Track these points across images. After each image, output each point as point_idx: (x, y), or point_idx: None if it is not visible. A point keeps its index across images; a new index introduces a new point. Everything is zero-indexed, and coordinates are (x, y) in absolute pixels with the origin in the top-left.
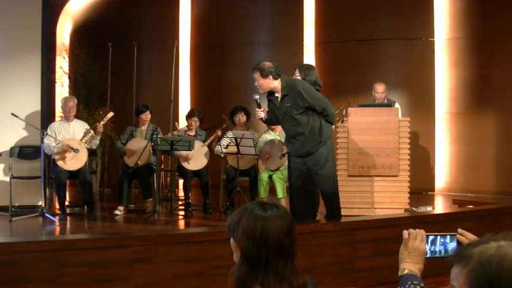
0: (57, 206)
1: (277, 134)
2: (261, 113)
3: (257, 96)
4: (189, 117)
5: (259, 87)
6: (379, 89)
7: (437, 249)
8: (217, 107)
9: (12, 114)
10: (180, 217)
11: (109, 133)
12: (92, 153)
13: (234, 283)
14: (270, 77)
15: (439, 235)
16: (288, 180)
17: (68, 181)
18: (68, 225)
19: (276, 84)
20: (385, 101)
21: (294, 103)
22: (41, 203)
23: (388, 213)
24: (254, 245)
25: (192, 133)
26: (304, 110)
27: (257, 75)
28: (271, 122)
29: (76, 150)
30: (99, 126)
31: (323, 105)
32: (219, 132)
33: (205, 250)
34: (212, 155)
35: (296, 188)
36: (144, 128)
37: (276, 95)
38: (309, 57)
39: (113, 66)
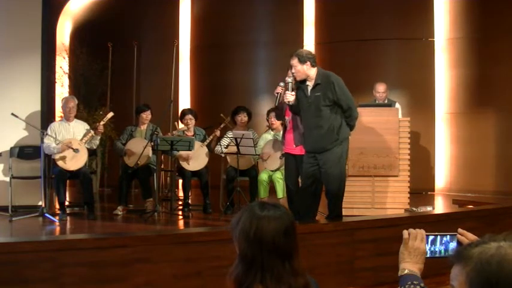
0: (57, 206)
1: (277, 134)
2: (291, 96)
3: (290, 79)
4: (182, 117)
5: (296, 73)
6: (380, 88)
7: (437, 249)
8: (217, 107)
9: (12, 114)
10: (180, 217)
11: (109, 133)
12: (92, 153)
13: (232, 282)
14: (308, 63)
15: (439, 235)
16: (286, 180)
17: (68, 181)
18: (68, 225)
19: (312, 72)
20: (386, 101)
21: (324, 93)
22: (41, 203)
23: (388, 213)
24: (249, 244)
25: (190, 133)
26: (332, 103)
27: (295, 61)
28: (296, 109)
29: (76, 150)
30: (99, 127)
31: (350, 104)
32: (218, 133)
33: (205, 250)
34: (212, 155)
35: (303, 188)
36: (143, 127)
37: (307, 83)
38: None
39: (113, 66)
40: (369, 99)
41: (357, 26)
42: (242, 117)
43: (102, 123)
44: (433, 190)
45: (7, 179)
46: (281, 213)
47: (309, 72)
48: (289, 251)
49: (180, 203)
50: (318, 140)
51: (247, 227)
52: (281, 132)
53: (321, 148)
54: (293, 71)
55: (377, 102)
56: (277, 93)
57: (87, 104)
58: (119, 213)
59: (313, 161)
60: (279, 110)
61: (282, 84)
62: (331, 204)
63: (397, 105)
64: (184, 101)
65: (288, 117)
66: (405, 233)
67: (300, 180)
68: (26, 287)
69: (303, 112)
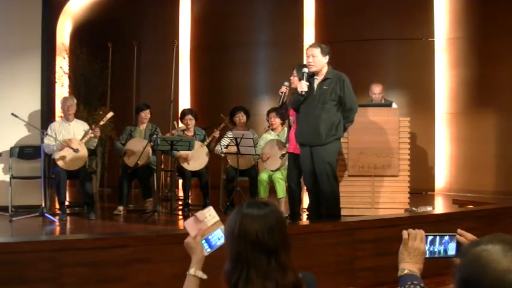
0: (57, 206)
1: (277, 134)
2: (305, 86)
3: (306, 70)
4: (182, 117)
5: (314, 63)
6: (376, 90)
7: (436, 250)
8: (217, 107)
9: (12, 114)
10: (180, 217)
11: (109, 133)
12: (92, 153)
13: (223, 280)
14: (327, 57)
15: (438, 235)
16: (288, 180)
17: (68, 181)
18: (68, 225)
19: (325, 67)
20: (383, 102)
21: (332, 89)
22: (41, 203)
23: (388, 213)
24: (234, 241)
25: (190, 133)
26: (337, 100)
27: (317, 51)
28: (301, 103)
29: (76, 150)
30: (95, 130)
31: (353, 106)
32: (217, 134)
33: None
34: (212, 155)
35: (309, 189)
36: (143, 127)
37: (315, 77)
38: None
39: (113, 66)
40: (368, 99)
41: (357, 26)
42: (240, 117)
43: (101, 123)
44: (433, 190)
45: (7, 179)
46: (267, 211)
47: (324, 65)
48: (274, 248)
49: (180, 203)
50: (315, 132)
51: (233, 224)
52: (281, 132)
53: (315, 141)
54: (310, 60)
55: (373, 102)
56: (282, 92)
57: (87, 104)
58: (119, 213)
59: (309, 157)
60: (283, 110)
61: (286, 83)
62: (326, 203)
63: (394, 105)
64: (184, 101)
65: (293, 117)
66: (405, 233)
67: (302, 180)
68: (26, 287)
69: (306, 104)
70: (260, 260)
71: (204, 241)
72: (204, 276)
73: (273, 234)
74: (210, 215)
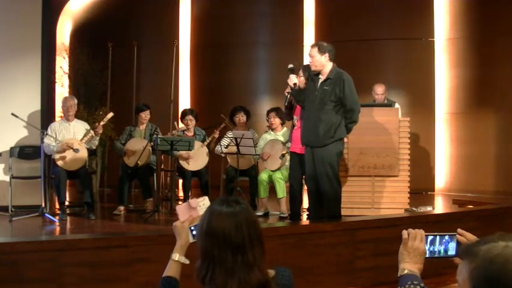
0: (57, 206)
1: (277, 134)
2: (295, 79)
3: (291, 65)
4: (182, 117)
5: (313, 63)
6: (379, 90)
7: (436, 249)
8: (217, 107)
9: (12, 114)
10: None
11: (109, 133)
12: (92, 153)
13: (195, 275)
14: (327, 55)
15: (438, 235)
16: (290, 179)
17: (68, 181)
18: (68, 225)
19: (328, 66)
20: (385, 102)
21: (332, 89)
22: (41, 203)
23: (388, 213)
24: (202, 237)
25: (190, 133)
26: (337, 100)
27: (314, 50)
28: (300, 98)
29: (76, 150)
30: (98, 127)
31: (354, 106)
32: (216, 134)
33: None
34: (212, 155)
35: (311, 191)
36: (142, 127)
37: (320, 76)
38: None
39: (113, 66)
40: (369, 99)
41: (357, 26)
42: (240, 117)
43: (102, 123)
44: (433, 190)
45: (7, 179)
46: (236, 209)
47: (325, 64)
48: (241, 246)
49: (180, 203)
50: (315, 133)
51: (202, 221)
52: (281, 132)
53: (315, 142)
54: (309, 60)
55: (376, 102)
56: (288, 92)
57: (87, 104)
58: (119, 213)
59: (311, 158)
60: (287, 109)
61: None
62: (326, 204)
63: (397, 105)
64: (184, 101)
65: (297, 116)
66: (405, 233)
67: (304, 180)
68: (26, 287)
69: (308, 103)
70: (226, 257)
71: (192, 228)
72: (187, 262)
73: (241, 232)
74: (204, 204)
